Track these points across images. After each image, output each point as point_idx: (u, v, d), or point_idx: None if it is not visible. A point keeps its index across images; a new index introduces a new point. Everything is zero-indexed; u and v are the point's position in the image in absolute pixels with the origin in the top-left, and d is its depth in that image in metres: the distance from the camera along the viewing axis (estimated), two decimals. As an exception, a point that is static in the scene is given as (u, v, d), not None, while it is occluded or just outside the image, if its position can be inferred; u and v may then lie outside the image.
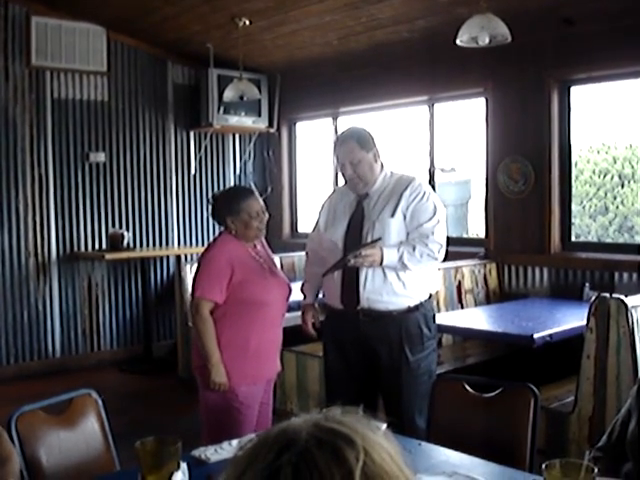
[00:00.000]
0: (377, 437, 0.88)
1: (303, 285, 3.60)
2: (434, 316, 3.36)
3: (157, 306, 6.93)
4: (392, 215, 3.20)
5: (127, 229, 6.72)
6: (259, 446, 0.86)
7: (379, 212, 3.24)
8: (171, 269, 7.04)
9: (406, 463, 0.89)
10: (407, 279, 3.21)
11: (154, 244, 7.03)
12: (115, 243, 6.48)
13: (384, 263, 3.11)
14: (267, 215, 3.26)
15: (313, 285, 3.52)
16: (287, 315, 3.39)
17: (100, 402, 2.54)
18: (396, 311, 3.21)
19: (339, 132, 6.95)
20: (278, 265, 3.49)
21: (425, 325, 3.26)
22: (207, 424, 3.16)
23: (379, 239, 3.13)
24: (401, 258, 3.12)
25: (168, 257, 7.07)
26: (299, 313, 3.55)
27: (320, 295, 3.55)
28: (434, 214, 3.20)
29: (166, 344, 6.89)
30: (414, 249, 3.13)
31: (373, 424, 0.91)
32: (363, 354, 3.29)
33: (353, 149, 3.24)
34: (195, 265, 5.73)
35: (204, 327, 3.08)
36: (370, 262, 3.08)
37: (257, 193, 3.29)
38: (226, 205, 3.19)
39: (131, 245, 6.66)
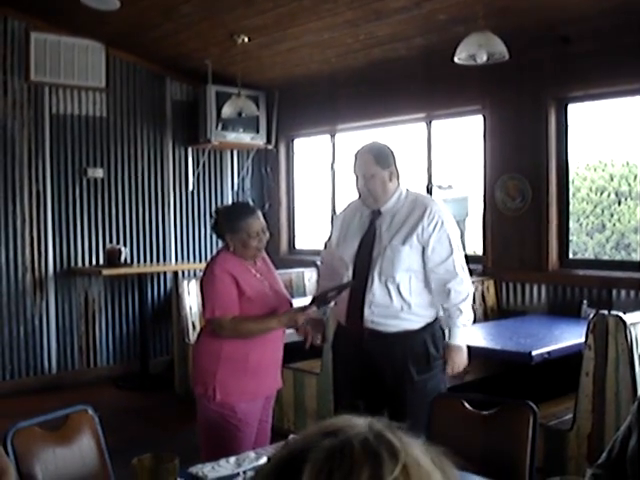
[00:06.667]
0: (425, 463, 0.84)
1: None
2: (443, 334, 3.28)
3: (154, 322, 6.91)
4: (403, 243, 3.14)
5: (124, 245, 6.72)
6: (314, 428, 0.86)
7: (391, 237, 3.17)
8: (168, 285, 7.03)
9: None
10: (414, 302, 3.16)
11: (151, 260, 7.02)
12: (112, 259, 6.47)
13: (466, 344, 3.24)
14: (268, 234, 3.21)
15: None
16: (287, 331, 3.37)
17: (96, 418, 2.52)
18: (400, 332, 3.17)
19: (336, 149, 7.03)
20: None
21: (432, 344, 3.21)
22: (205, 441, 3.13)
23: (349, 283, 3.15)
24: (465, 325, 3.22)
25: (165, 273, 7.06)
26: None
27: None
28: (450, 245, 3.18)
29: (163, 360, 6.87)
30: (460, 312, 3.18)
31: (433, 452, 0.87)
32: (368, 371, 3.24)
33: (368, 163, 3.23)
34: (193, 281, 5.80)
35: (242, 330, 3.07)
36: (462, 368, 3.27)
37: (259, 212, 3.23)
38: (226, 222, 3.16)
39: (128, 261, 6.65)
